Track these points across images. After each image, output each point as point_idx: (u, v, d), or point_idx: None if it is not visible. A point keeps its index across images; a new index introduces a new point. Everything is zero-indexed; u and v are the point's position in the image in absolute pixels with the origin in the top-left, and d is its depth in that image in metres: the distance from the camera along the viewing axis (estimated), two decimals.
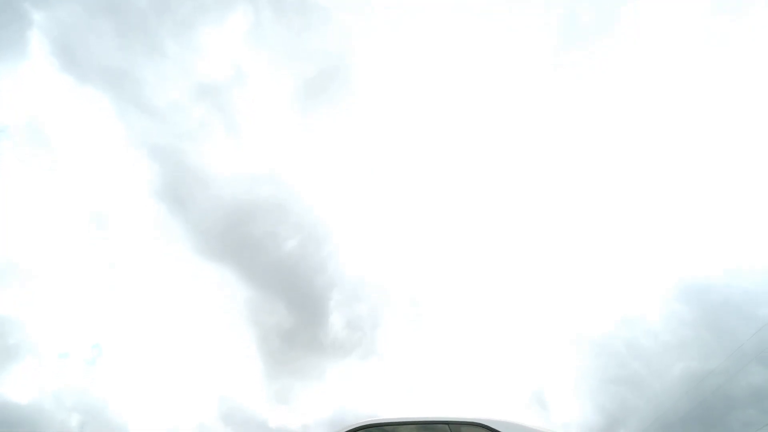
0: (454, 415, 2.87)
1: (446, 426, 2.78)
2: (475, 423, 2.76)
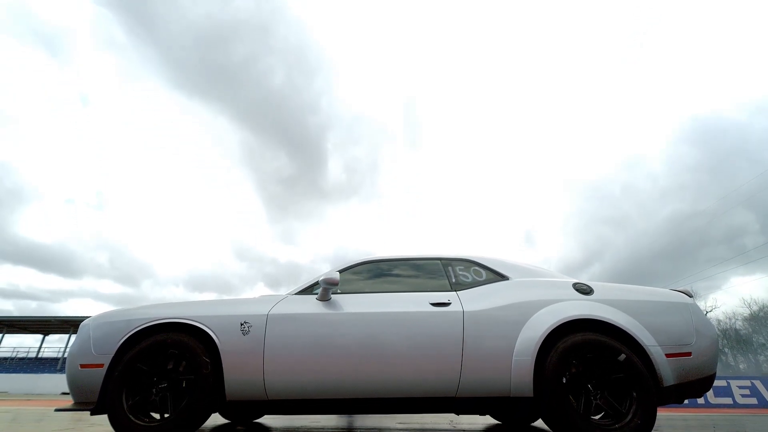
0: (446, 253, 3.12)
1: (438, 262, 3.02)
2: (463, 259, 3.03)
